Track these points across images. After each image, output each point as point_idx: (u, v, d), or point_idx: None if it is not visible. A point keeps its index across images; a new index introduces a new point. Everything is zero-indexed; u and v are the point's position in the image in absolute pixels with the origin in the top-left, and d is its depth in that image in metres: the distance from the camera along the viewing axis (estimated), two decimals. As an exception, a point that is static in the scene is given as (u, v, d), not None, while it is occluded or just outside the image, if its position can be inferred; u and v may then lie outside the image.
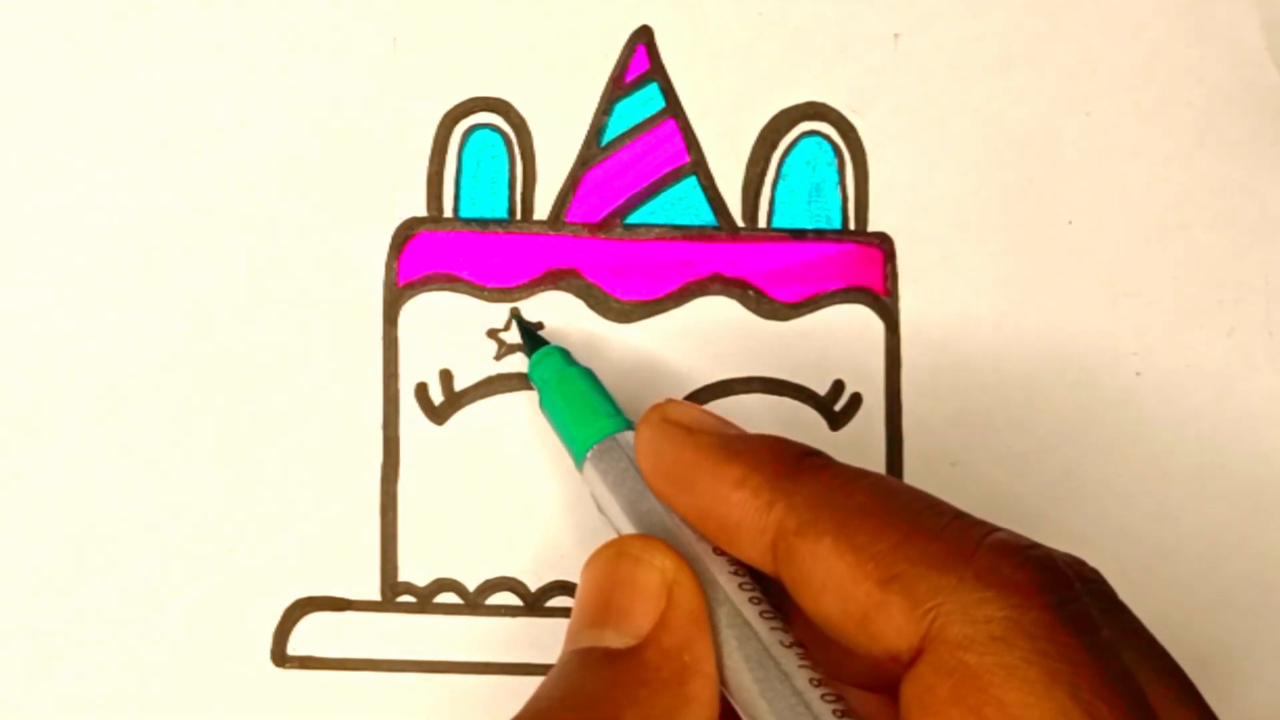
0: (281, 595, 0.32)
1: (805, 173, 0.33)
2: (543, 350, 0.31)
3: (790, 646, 0.24)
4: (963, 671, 0.21)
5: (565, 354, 0.31)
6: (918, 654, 0.22)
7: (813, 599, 0.23)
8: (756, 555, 0.25)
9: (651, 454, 0.26)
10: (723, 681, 0.24)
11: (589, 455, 0.28)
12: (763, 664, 0.24)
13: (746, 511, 0.24)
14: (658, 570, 0.25)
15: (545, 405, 0.30)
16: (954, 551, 0.22)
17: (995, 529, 0.23)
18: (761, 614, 0.25)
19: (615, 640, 0.24)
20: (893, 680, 0.22)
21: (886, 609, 0.22)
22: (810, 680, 0.23)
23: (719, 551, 0.26)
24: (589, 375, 0.30)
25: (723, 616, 0.25)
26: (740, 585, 0.25)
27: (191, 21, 0.33)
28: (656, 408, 0.27)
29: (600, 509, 0.28)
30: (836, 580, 0.23)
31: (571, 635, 0.25)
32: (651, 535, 0.26)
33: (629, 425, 0.29)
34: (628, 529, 0.27)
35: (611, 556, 0.26)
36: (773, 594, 0.25)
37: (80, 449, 0.32)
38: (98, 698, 0.32)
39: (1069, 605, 0.21)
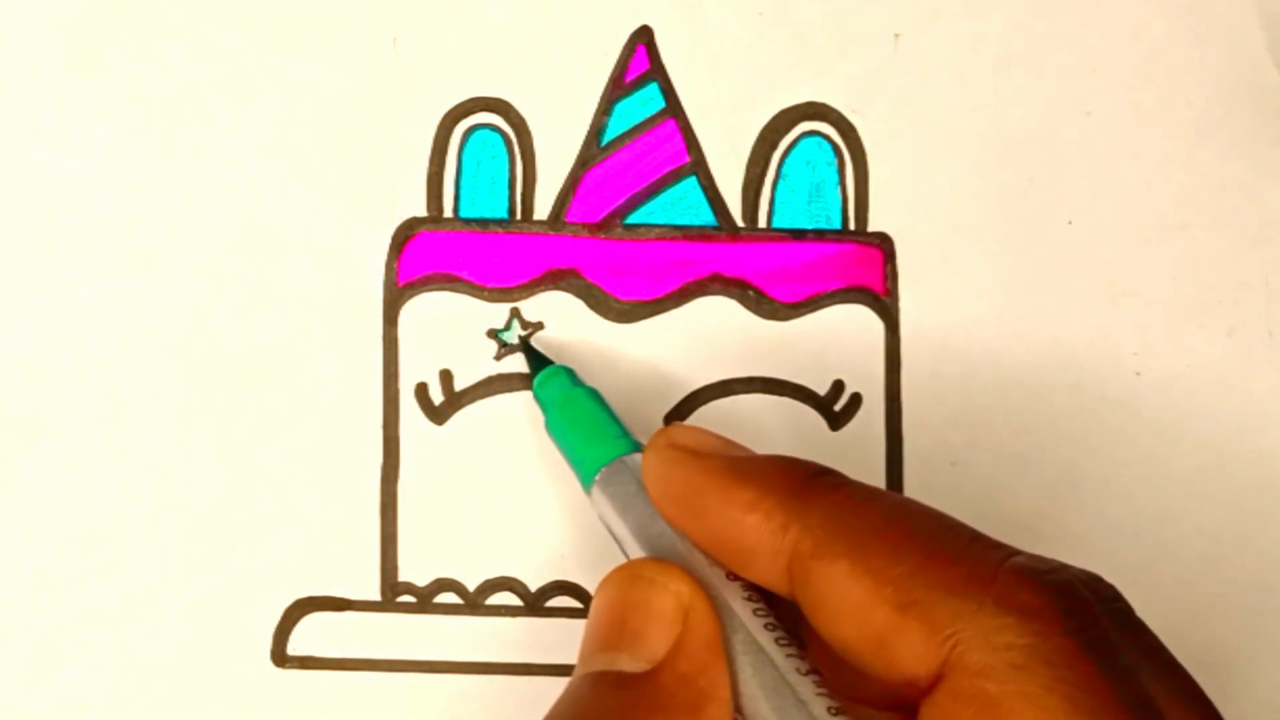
0: (281, 595, 0.32)
1: (805, 173, 0.33)
2: (548, 370, 0.31)
3: (807, 674, 0.24)
4: (983, 699, 0.21)
5: (571, 374, 0.31)
6: (936, 680, 0.21)
7: (829, 622, 0.23)
8: (771, 578, 0.24)
9: (660, 480, 0.26)
10: (738, 709, 0.24)
11: (597, 479, 0.28)
12: (779, 691, 0.24)
13: (760, 535, 0.24)
14: (673, 594, 0.25)
15: (551, 427, 0.30)
16: (973, 576, 0.22)
17: (1014, 552, 0.22)
18: (777, 640, 0.24)
19: (629, 664, 0.24)
20: (910, 702, 0.22)
21: (904, 634, 0.22)
22: (828, 709, 0.23)
23: (732, 576, 0.25)
24: (595, 396, 0.30)
25: (738, 643, 0.24)
26: (755, 611, 0.25)
27: (191, 21, 0.33)
28: (662, 432, 0.27)
29: (610, 532, 0.28)
30: (853, 604, 0.22)
31: (584, 658, 0.25)
32: (666, 559, 0.26)
33: (637, 447, 0.28)
34: (638, 553, 0.27)
35: (625, 579, 0.25)
36: (787, 618, 0.25)
37: (80, 449, 0.32)
38: (98, 698, 0.32)
39: (1089, 631, 0.21)
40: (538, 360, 0.31)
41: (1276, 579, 0.32)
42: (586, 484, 0.29)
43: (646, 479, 0.27)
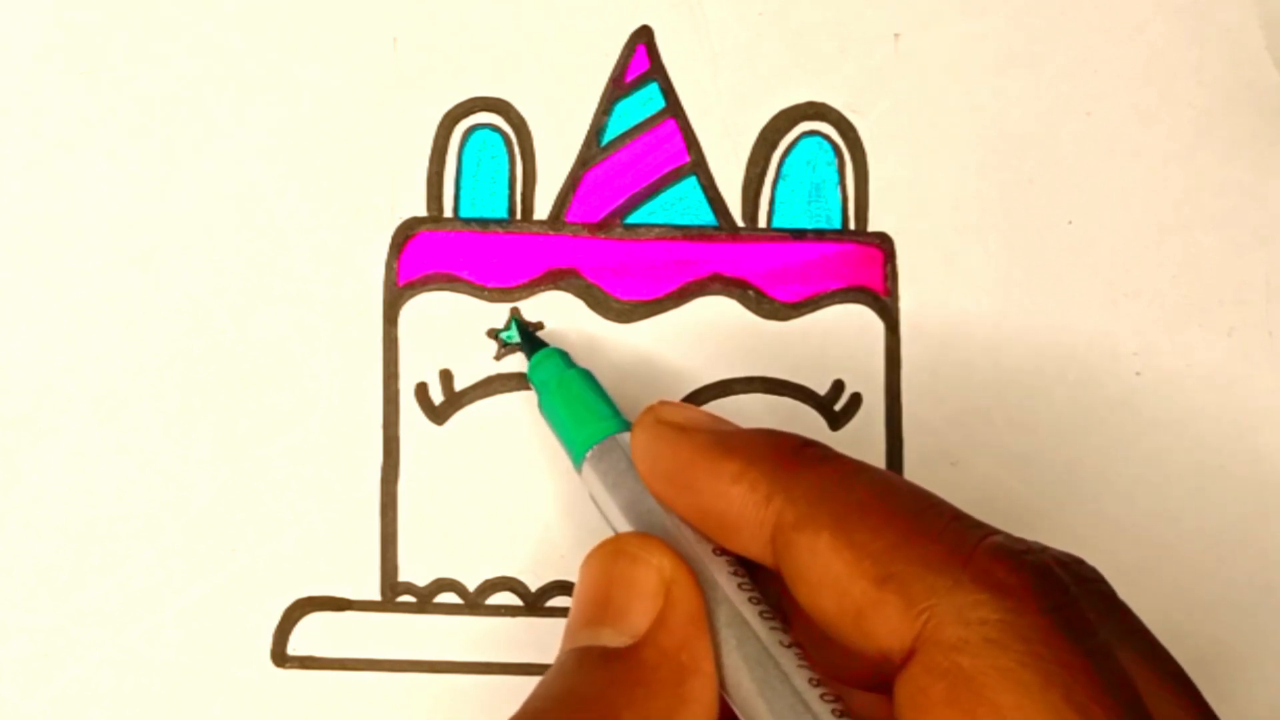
0: (281, 595, 0.32)
1: (805, 173, 0.33)
2: (542, 352, 0.31)
3: (789, 647, 0.24)
4: (956, 673, 0.21)
5: (564, 356, 0.31)
6: (911, 654, 0.21)
7: (809, 594, 0.23)
8: (756, 549, 0.24)
9: (648, 455, 0.26)
10: (721, 682, 0.24)
11: (588, 456, 0.28)
12: (762, 664, 0.24)
13: (745, 506, 0.24)
14: (655, 569, 0.25)
15: (544, 407, 0.30)
16: (951, 553, 0.22)
17: (993, 532, 0.23)
18: (761, 614, 0.25)
19: (612, 639, 0.24)
20: (888, 679, 0.22)
21: (881, 608, 0.22)
22: (809, 680, 0.23)
23: (719, 552, 0.26)
24: (588, 377, 0.30)
25: (722, 616, 0.25)
26: (740, 585, 0.25)
27: (191, 21, 0.33)
28: (650, 409, 0.27)
29: (600, 510, 0.28)
30: (833, 576, 0.23)
31: (569, 634, 0.25)
32: (650, 534, 0.26)
33: (627, 426, 0.28)
34: (627, 530, 0.27)
35: (609, 555, 0.26)
36: (771, 594, 0.25)
37: (80, 449, 0.32)
38: (98, 698, 0.32)
39: (1064, 609, 0.21)
40: (532, 343, 0.32)
41: (1276, 579, 0.32)
42: (577, 462, 0.29)
43: (635, 455, 0.27)
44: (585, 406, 0.29)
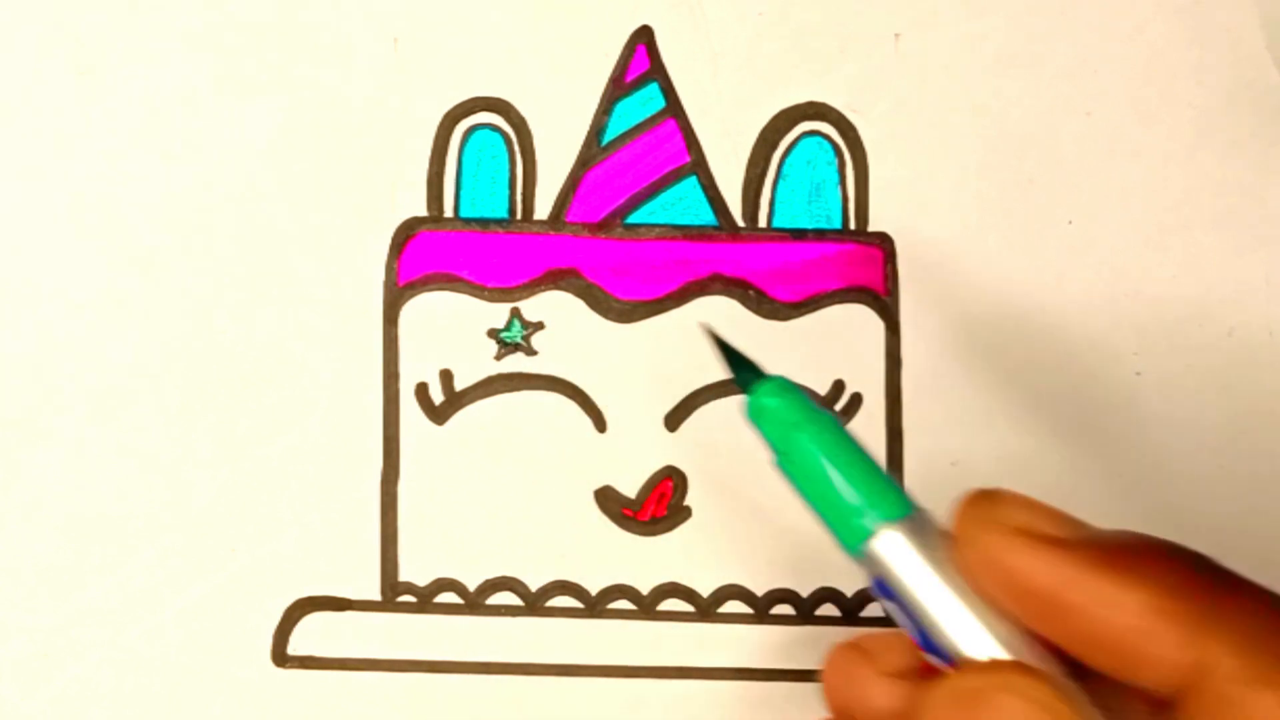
0: (281, 595, 0.32)
1: (805, 172, 0.33)
2: (775, 382, 0.24)
3: None
4: None
5: (802, 391, 0.25)
6: None
7: None
8: (1145, 679, 0.21)
9: (998, 569, 0.22)
10: None
11: (881, 535, 0.23)
12: None
13: (1151, 643, 0.21)
14: (1047, 710, 0.21)
15: (792, 461, 0.24)
16: None
17: None
18: None
19: None
20: None
21: None
22: None
23: (1070, 674, 0.22)
24: (843, 426, 0.24)
25: None
26: None
27: (192, 21, 0.33)
28: (984, 505, 0.23)
29: (893, 601, 0.23)
30: None
31: None
32: (1029, 663, 0.22)
33: (910, 503, 0.24)
34: (947, 637, 0.23)
35: (982, 693, 0.21)
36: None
37: (80, 449, 0.32)
38: (98, 698, 0.32)
39: None
40: (745, 367, 0.25)
41: (1277, 579, 0.32)
42: (855, 543, 0.23)
43: (978, 566, 0.22)
44: (869, 472, 0.24)
